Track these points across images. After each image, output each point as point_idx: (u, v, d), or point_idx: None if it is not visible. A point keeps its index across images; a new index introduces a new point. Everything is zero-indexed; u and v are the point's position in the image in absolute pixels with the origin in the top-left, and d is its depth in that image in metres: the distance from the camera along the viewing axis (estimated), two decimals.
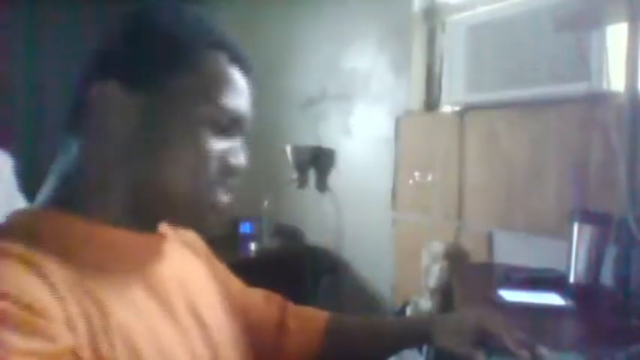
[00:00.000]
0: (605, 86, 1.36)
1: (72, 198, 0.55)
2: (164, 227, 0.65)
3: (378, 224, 2.10)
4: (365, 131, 2.21)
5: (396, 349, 0.81)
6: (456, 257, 1.57)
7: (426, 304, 1.58)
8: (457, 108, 1.82)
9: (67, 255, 0.50)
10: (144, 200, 0.56)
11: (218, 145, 0.58)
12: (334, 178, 2.25)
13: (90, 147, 0.56)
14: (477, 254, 1.67)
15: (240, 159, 0.60)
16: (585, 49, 1.37)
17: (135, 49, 0.56)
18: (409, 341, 0.81)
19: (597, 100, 1.36)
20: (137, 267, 0.58)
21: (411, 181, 1.96)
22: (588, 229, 1.19)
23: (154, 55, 0.56)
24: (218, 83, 0.57)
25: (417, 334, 0.78)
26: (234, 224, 2.54)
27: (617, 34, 1.29)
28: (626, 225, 1.10)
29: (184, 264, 0.68)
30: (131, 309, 0.53)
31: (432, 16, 2.03)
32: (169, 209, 0.58)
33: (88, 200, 0.55)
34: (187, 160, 0.56)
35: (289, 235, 2.50)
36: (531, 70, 1.54)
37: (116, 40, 0.58)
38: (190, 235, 0.76)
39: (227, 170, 0.59)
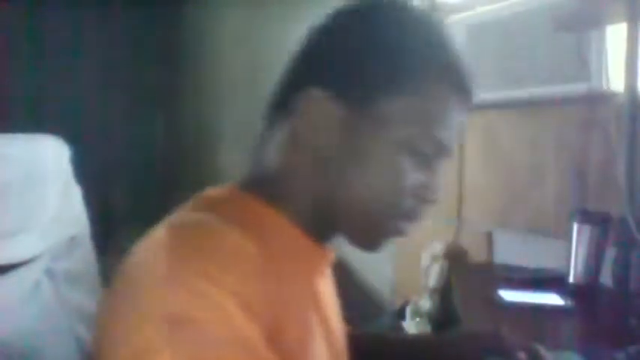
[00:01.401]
0: (605, 86, 1.36)
1: (266, 189, 0.55)
2: None
3: None
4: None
5: None
6: (456, 257, 1.57)
7: (425, 304, 1.58)
8: None
9: (262, 240, 0.49)
10: (328, 212, 0.55)
11: (417, 174, 0.55)
12: None
13: (290, 147, 0.55)
14: (477, 254, 1.67)
15: (434, 192, 0.58)
16: (585, 49, 1.37)
17: (353, 60, 0.53)
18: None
19: (597, 100, 1.36)
20: (309, 274, 0.58)
21: None
22: (588, 229, 1.19)
23: (373, 70, 0.53)
24: (436, 112, 0.54)
25: (419, 355, 0.76)
26: None
27: (617, 34, 1.29)
28: (626, 225, 1.10)
29: (328, 281, 0.69)
30: (300, 314, 0.53)
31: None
32: (349, 226, 0.57)
33: (280, 196, 0.55)
34: (383, 182, 0.53)
35: None
36: (531, 70, 1.54)
37: (334, 44, 0.56)
38: None
39: (418, 200, 0.57)
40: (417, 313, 1.62)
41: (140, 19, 3.33)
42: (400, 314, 1.70)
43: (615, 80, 1.32)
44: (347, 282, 2.37)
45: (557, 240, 1.32)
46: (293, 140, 0.55)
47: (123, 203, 3.13)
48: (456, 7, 1.93)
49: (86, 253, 0.84)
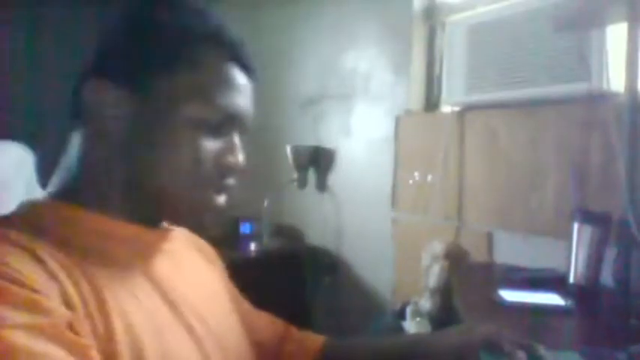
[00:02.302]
0: (605, 86, 1.35)
1: (76, 191, 0.56)
2: (176, 228, 0.65)
3: (378, 224, 2.10)
4: (365, 131, 2.21)
5: None
6: (456, 257, 1.57)
7: (425, 304, 1.58)
8: (457, 108, 1.82)
9: (67, 243, 0.51)
10: (141, 198, 0.57)
11: (212, 144, 0.57)
12: (334, 178, 2.25)
13: (87, 143, 0.57)
14: (477, 254, 1.67)
15: (236, 158, 0.59)
16: (585, 49, 1.37)
17: (126, 46, 0.56)
18: None
19: (597, 100, 1.36)
20: (138, 259, 0.58)
21: (410, 181, 1.96)
22: (588, 229, 1.19)
23: (144, 52, 0.55)
24: (211, 82, 0.56)
25: (415, 353, 0.75)
26: (234, 224, 2.54)
27: (617, 34, 1.29)
28: (626, 225, 1.10)
29: (194, 266, 0.68)
30: (132, 299, 0.53)
31: (432, 16, 2.03)
32: (165, 209, 0.58)
33: (90, 194, 0.56)
34: (179, 160, 0.55)
35: (289, 235, 2.50)
36: (531, 70, 1.54)
37: (110, 36, 0.58)
38: (203, 243, 0.76)
39: (223, 170, 0.58)
40: (417, 313, 1.61)
41: None
42: (400, 314, 1.69)
43: (615, 80, 1.32)
44: (347, 282, 2.39)
45: (557, 240, 1.32)
46: (91, 136, 0.56)
47: None
48: (456, 7, 1.93)
49: None
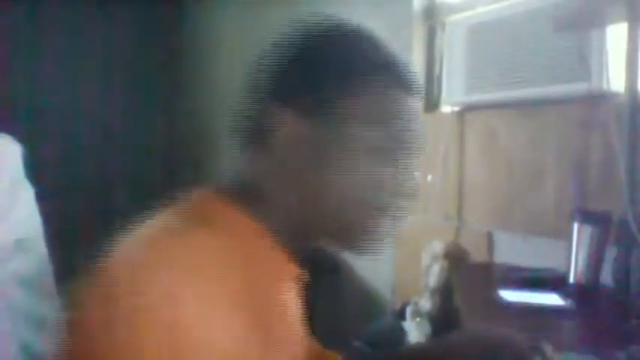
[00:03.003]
0: (605, 86, 1.35)
1: (247, 198, 0.57)
2: None
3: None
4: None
5: None
6: (456, 257, 1.57)
7: (425, 304, 1.58)
8: (457, 108, 1.82)
9: (235, 249, 0.52)
10: (307, 220, 0.58)
11: (384, 169, 0.58)
12: None
13: (263, 162, 0.58)
14: (477, 254, 1.67)
15: (406, 184, 0.60)
16: (585, 49, 1.37)
17: (307, 76, 0.57)
18: None
19: (597, 100, 1.36)
20: (277, 286, 0.59)
21: None
22: (588, 229, 1.19)
23: (326, 81, 0.57)
24: (384, 110, 0.57)
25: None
26: None
27: (617, 34, 1.29)
28: (626, 225, 1.10)
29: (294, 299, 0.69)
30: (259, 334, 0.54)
31: (432, 16, 2.03)
32: (332, 232, 0.61)
33: (259, 205, 0.57)
34: (349, 184, 0.56)
35: None
36: (531, 70, 1.54)
37: (291, 62, 0.59)
38: None
39: (392, 195, 0.59)
40: (417, 313, 1.62)
41: (140, 19, 3.33)
42: (400, 315, 1.70)
43: (615, 80, 1.32)
44: (347, 282, 2.39)
45: (557, 240, 1.32)
46: (271, 160, 0.58)
47: (123, 203, 3.13)
48: (456, 7, 1.93)
49: (38, 257, 0.81)
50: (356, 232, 0.60)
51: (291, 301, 0.65)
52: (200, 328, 0.43)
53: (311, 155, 0.56)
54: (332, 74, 0.57)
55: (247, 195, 0.57)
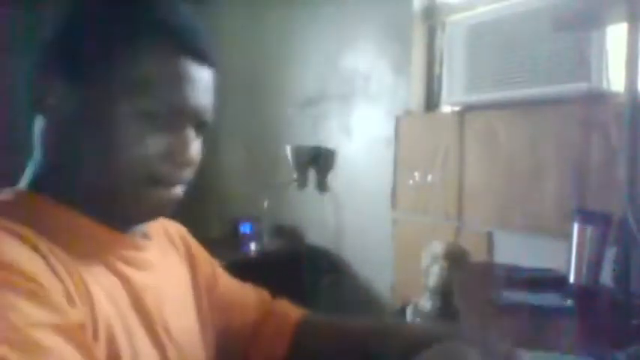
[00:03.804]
0: (605, 86, 1.36)
1: (44, 183, 0.56)
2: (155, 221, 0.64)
3: (378, 224, 2.10)
4: (365, 131, 2.21)
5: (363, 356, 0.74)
6: (456, 257, 1.57)
7: (425, 304, 1.58)
8: (457, 108, 1.82)
9: (54, 240, 0.50)
10: (96, 191, 0.55)
11: (160, 139, 0.55)
12: (334, 178, 2.25)
13: (43, 135, 0.56)
14: (477, 254, 1.67)
15: (185, 154, 0.57)
16: (585, 49, 1.37)
17: (67, 35, 0.55)
18: (376, 348, 0.72)
19: (597, 100, 1.36)
20: (116, 267, 0.57)
21: (410, 181, 1.96)
22: (588, 229, 1.19)
23: (84, 42, 0.54)
24: (155, 74, 0.54)
25: (385, 343, 0.71)
26: (234, 224, 2.54)
27: (617, 34, 1.29)
28: (626, 225, 1.10)
29: (165, 269, 0.66)
30: (109, 300, 0.53)
31: (432, 16, 2.03)
32: (117, 208, 0.57)
33: (56, 187, 0.55)
34: (120, 153, 0.53)
35: (289, 235, 2.50)
36: (531, 70, 1.54)
37: (56, 25, 0.56)
38: (174, 229, 0.75)
39: (168, 164, 0.56)
40: (417, 313, 1.62)
41: None
42: (401, 315, 1.70)
43: (615, 80, 1.32)
44: (347, 282, 2.38)
45: (557, 240, 1.32)
46: (43, 128, 0.56)
47: None
48: (456, 7, 1.93)
49: None
50: (130, 202, 0.56)
51: (156, 279, 0.62)
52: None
53: (81, 123, 0.54)
54: (95, 37, 0.54)
55: (51, 183, 0.55)
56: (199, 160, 0.60)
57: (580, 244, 1.20)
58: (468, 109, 1.78)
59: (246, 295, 0.81)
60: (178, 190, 0.59)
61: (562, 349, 0.85)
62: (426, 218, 1.90)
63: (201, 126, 0.59)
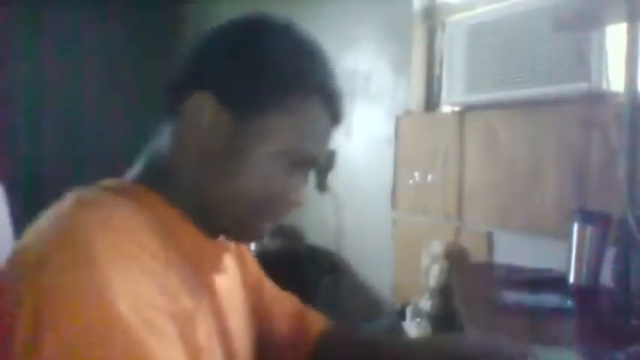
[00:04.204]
0: (605, 86, 1.35)
1: (160, 181, 0.58)
2: None
3: (378, 224, 2.10)
4: (365, 131, 2.21)
5: None
6: (456, 257, 1.57)
7: (426, 304, 1.58)
8: (457, 108, 1.82)
9: (164, 233, 0.54)
10: (208, 207, 0.59)
11: (286, 179, 0.60)
12: (334, 178, 2.25)
13: (177, 145, 0.59)
14: (477, 254, 1.67)
15: (300, 196, 0.62)
16: (585, 49, 1.37)
17: (239, 70, 0.57)
18: None
19: (597, 100, 1.36)
20: (208, 273, 0.62)
21: (410, 181, 1.96)
22: (588, 229, 1.19)
23: (254, 81, 0.57)
24: (306, 127, 0.59)
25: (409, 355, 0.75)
26: None
27: (617, 34, 1.29)
28: (626, 225, 1.10)
29: (232, 272, 0.71)
30: (200, 309, 0.57)
31: (432, 16, 2.03)
32: (221, 220, 0.60)
33: (170, 188, 0.58)
34: (251, 184, 0.58)
35: (289, 235, 2.50)
36: (531, 70, 1.54)
37: (220, 52, 0.59)
38: (238, 245, 0.79)
39: (284, 203, 0.61)
40: (417, 313, 1.62)
41: (140, 19, 3.32)
42: (401, 315, 1.70)
43: (615, 80, 1.32)
44: (347, 282, 2.38)
45: (557, 240, 1.32)
46: (182, 139, 0.58)
47: None
48: (456, 7, 1.93)
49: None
50: (241, 226, 0.61)
51: (228, 287, 0.67)
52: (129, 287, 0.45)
53: (225, 147, 0.57)
54: (268, 82, 0.57)
55: (164, 183, 0.58)
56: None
57: (580, 244, 1.20)
58: (468, 109, 1.78)
59: (286, 304, 0.84)
60: (268, 228, 0.63)
61: (562, 349, 0.84)
62: (426, 218, 1.90)
63: (311, 172, 0.66)
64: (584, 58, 1.36)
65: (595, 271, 1.19)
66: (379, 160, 2.11)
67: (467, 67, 1.73)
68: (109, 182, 0.58)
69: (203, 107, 0.56)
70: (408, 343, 0.81)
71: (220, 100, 0.56)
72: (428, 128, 1.94)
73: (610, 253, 1.16)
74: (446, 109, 1.93)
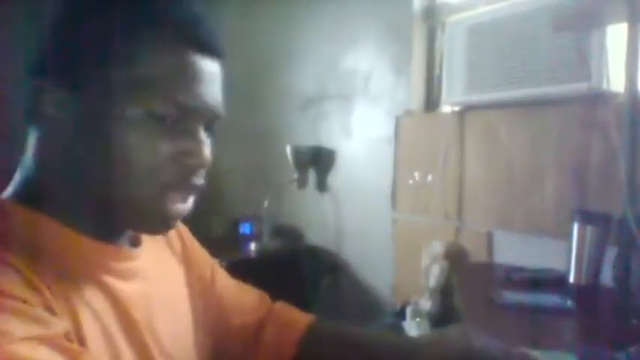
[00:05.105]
0: (605, 86, 1.35)
1: (33, 195, 0.52)
2: None
3: (378, 224, 2.10)
4: (365, 131, 2.21)
5: None
6: (456, 257, 1.57)
7: (425, 304, 1.58)
8: (457, 108, 1.82)
9: (38, 256, 0.48)
10: (97, 208, 0.53)
11: (170, 144, 0.51)
12: (334, 178, 2.25)
13: (38, 146, 0.53)
14: (477, 254, 1.67)
15: (200, 157, 0.53)
16: (585, 49, 1.37)
17: (60, 41, 0.51)
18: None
19: (597, 100, 1.36)
20: (102, 281, 0.54)
21: (410, 181, 1.96)
22: (588, 229, 1.19)
23: (77, 46, 0.50)
24: (160, 74, 0.50)
25: (398, 353, 0.69)
26: (234, 224, 2.54)
27: (617, 34, 1.29)
28: (626, 225, 1.10)
29: (156, 274, 0.63)
30: (100, 328, 0.51)
31: (432, 16, 2.03)
32: (125, 220, 0.54)
33: (46, 199, 0.52)
34: (132, 162, 0.50)
35: (289, 235, 2.50)
36: (531, 70, 1.54)
37: (48, 30, 0.52)
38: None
39: (186, 171, 0.53)
40: (417, 313, 1.62)
41: None
42: (400, 314, 1.70)
43: (615, 80, 1.32)
44: (347, 282, 2.38)
45: (557, 240, 1.32)
46: (38, 138, 0.52)
47: None
48: (456, 7, 1.93)
49: None
50: (146, 211, 0.52)
51: (143, 289, 0.59)
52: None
53: (81, 133, 0.50)
54: (89, 40, 0.49)
55: (37, 194, 0.52)
56: (211, 163, 0.55)
57: (580, 244, 1.20)
58: (468, 109, 1.78)
59: (245, 295, 0.79)
60: (190, 201, 0.56)
61: (562, 349, 0.84)
62: (426, 218, 1.90)
63: (211, 124, 0.56)
64: (584, 58, 1.36)
65: (595, 271, 1.19)
66: (379, 160, 2.11)
67: (467, 67, 1.73)
68: None
69: (40, 96, 0.50)
70: (398, 341, 0.75)
71: (54, 81, 0.50)
72: (428, 128, 1.94)
73: (610, 253, 1.16)
74: (446, 109, 1.93)
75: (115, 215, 0.53)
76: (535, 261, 1.38)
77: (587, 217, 1.21)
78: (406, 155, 2.01)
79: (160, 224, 0.55)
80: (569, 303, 1.09)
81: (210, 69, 0.53)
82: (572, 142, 1.45)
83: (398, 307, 1.78)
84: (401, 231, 2.03)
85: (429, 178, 1.88)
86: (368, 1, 2.18)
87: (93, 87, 0.50)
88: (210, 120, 0.55)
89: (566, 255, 1.22)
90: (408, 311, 1.65)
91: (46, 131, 0.52)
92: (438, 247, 1.59)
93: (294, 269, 2.26)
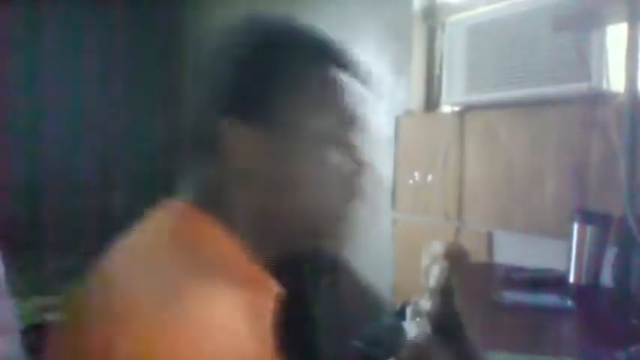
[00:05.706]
0: (605, 86, 1.35)
1: (211, 202, 0.57)
2: None
3: (377, 224, 2.10)
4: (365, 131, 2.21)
5: None
6: (456, 257, 1.56)
7: (425, 304, 1.58)
8: (457, 108, 1.82)
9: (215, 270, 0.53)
10: (273, 226, 0.58)
11: (339, 155, 0.60)
12: None
13: (224, 175, 0.57)
14: (477, 254, 1.67)
15: (360, 159, 0.63)
16: (585, 49, 1.37)
17: (248, 82, 0.57)
18: None
19: (597, 100, 1.36)
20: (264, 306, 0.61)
21: (410, 181, 1.96)
22: (588, 229, 1.19)
23: (265, 88, 0.56)
24: (327, 97, 0.58)
25: None
26: None
27: (617, 34, 1.29)
28: (626, 225, 1.10)
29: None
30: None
31: (432, 16, 2.03)
32: (303, 235, 0.61)
33: (222, 215, 0.57)
34: (312, 180, 0.57)
35: None
36: (531, 70, 1.54)
37: (231, 72, 0.58)
38: None
39: (350, 178, 0.61)
40: (417, 313, 1.61)
41: (140, 18, 3.32)
42: (400, 314, 1.69)
43: (615, 80, 1.32)
44: (347, 282, 2.38)
45: (557, 240, 1.32)
46: (226, 169, 0.57)
47: (122, 203, 3.12)
48: (456, 7, 1.93)
49: None
50: (326, 224, 0.60)
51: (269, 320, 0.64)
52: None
53: (266, 164, 0.56)
54: (272, 80, 0.56)
55: (218, 208, 0.57)
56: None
57: (580, 244, 1.20)
58: (468, 109, 1.78)
59: None
60: (353, 205, 0.63)
61: (562, 349, 0.84)
62: (426, 218, 1.90)
63: (362, 133, 0.67)
64: (584, 58, 1.36)
65: (595, 271, 1.19)
66: (379, 160, 2.11)
67: (467, 67, 1.73)
68: (177, 212, 0.57)
69: (236, 135, 0.55)
70: None
71: (243, 120, 0.56)
72: (428, 128, 1.94)
73: (610, 253, 1.16)
74: (446, 109, 1.93)
75: (296, 229, 0.60)
76: (535, 261, 1.38)
77: (587, 217, 1.21)
78: (406, 155, 2.01)
79: (334, 231, 0.63)
80: (569, 303, 1.09)
81: (356, 84, 0.65)
82: (572, 142, 1.45)
83: (398, 307, 1.78)
84: (401, 231, 2.03)
85: (429, 178, 1.88)
86: (368, 1, 2.18)
87: (277, 125, 0.56)
88: (361, 127, 0.67)
89: (566, 255, 1.22)
90: (408, 311, 1.65)
91: (238, 165, 0.56)
92: (438, 247, 1.59)
93: (294, 269, 2.26)
